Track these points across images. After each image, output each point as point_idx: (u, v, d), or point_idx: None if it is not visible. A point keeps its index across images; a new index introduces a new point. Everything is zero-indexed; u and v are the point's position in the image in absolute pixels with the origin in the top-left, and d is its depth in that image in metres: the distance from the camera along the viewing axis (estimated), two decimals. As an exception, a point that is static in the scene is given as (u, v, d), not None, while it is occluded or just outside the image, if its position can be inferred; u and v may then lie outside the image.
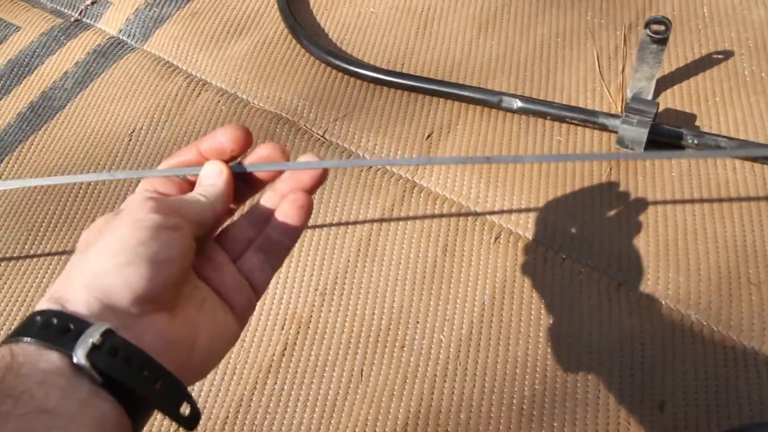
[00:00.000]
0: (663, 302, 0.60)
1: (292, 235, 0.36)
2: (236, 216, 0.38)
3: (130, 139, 0.78)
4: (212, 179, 0.35)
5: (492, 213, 0.67)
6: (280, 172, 0.36)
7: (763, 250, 0.62)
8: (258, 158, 0.36)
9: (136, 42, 0.88)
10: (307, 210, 0.36)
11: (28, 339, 0.27)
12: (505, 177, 0.69)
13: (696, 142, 0.67)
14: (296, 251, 0.66)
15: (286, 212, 0.35)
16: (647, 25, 0.66)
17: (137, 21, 0.90)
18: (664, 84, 0.74)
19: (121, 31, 0.90)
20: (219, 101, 0.79)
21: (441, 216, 0.67)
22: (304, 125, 0.76)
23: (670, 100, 0.73)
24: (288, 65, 0.82)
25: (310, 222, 0.66)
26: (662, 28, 0.66)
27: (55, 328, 0.28)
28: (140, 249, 0.30)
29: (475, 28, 0.83)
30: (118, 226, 0.31)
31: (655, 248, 0.63)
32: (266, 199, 0.37)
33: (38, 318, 0.28)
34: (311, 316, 0.63)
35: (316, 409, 0.58)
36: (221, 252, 0.35)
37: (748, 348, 0.57)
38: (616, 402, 0.56)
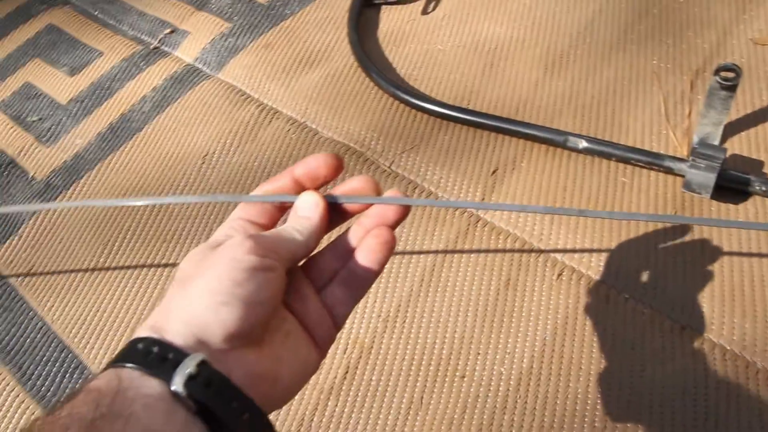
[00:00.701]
0: (728, 348, 0.60)
1: (374, 269, 0.36)
2: (321, 245, 0.40)
3: (203, 162, 0.81)
4: (308, 211, 0.36)
5: (555, 251, 0.67)
6: (368, 206, 0.37)
7: (833, 300, 0.61)
8: (351, 189, 0.37)
9: (211, 70, 0.92)
10: (390, 246, 0.36)
11: (132, 365, 0.29)
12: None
13: (764, 188, 0.67)
14: (361, 277, 0.68)
15: (370, 247, 0.36)
16: (717, 71, 0.66)
17: (213, 50, 0.94)
18: (731, 130, 0.75)
19: (197, 59, 0.94)
20: (289, 129, 0.82)
21: (504, 251, 0.68)
22: (372, 156, 0.78)
23: (737, 146, 0.73)
24: (357, 97, 0.84)
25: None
26: (732, 75, 0.66)
27: (155, 356, 0.29)
28: (236, 290, 0.31)
29: (541, 68, 0.85)
30: (216, 264, 0.32)
31: (721, 293, 0.63)
32: (352, 232, 0.38)
33: (140, 345, 0.30)
34: (373, 341, 0.64)
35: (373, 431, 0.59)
36: (307, 283, 0.36)
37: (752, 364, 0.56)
38: (648, 424, 0.56)
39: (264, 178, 0.78)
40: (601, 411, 0.58)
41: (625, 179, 0.72)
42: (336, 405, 0.61)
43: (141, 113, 0.89)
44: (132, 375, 0.29)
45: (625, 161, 0.72)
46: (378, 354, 0.63)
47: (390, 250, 0.36)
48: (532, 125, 0.76)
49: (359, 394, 0.62)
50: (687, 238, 0.67)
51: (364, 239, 0.37)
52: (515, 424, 0.58)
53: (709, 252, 0.65)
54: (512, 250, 0.68)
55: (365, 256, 0.36)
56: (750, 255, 0.65)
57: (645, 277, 0.65)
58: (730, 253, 0.65)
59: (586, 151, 0.73)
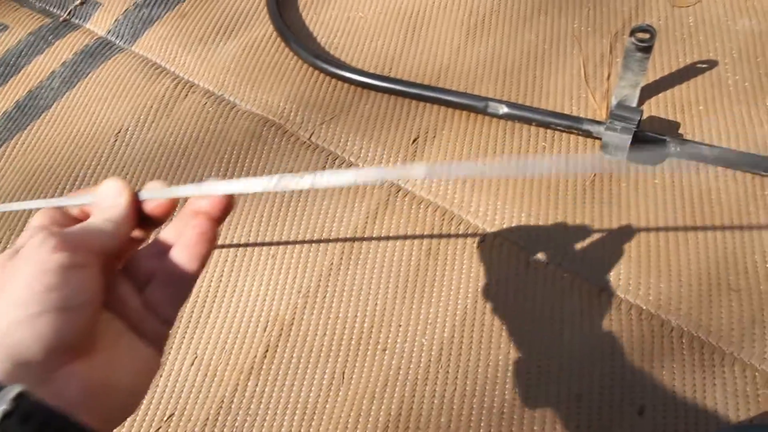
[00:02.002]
0: (644, 308, 0.60)
1: (194, 265, 0.33)
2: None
3: (116, 140, 0.78)
4: (112, 199, 0.33)
5: (476, 217, 0.67)
6: (174, 205, 0.34)
7: (744, 257, 0.62)
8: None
9: (124, 43, 0.88)
10: (208, 237, 0.33)
11: None
12: (490, 181, 0.69)
13: (679, 149, 0.68)
14: (280, 253, 0.66)
15: (187, 241, 0.33)
16: (632, 33, 0.66)
17: (126, 22, 0.90)
18: (648, 92, 0.75)
19: (109, 31, 0.90)
20: (206, 103, 0.79)
21: (425, 220, 0.67)
22: (291, 128, 0.76)
23: (654, 108, 0.74)
24: (276, 68, 0.82)
25: (296, 224, 0.67)
26: (647, 36, 0.66)
27: None
28: (50, 296, 0.27)
29: (463, 33, 0.83)
30: (20, 270, 0.28)
31: (637, 254, 0.63)
32: (170, 227, 0.35)
33: None
34: (294, 318, 0.63)
35: (297, 412, 0.58)
36: (126, 283, 0.33)
37: (727, 353, 0.58)
38: (597, 407, 0.56)
39: (180, 154, 0.75)
40: (521, 376, 0.58)
41: (546, 144, 0.72)
42: (257, 384, 0.60)
43: (50, 90, 0.84)
44: None
45: (546, 126, 0.72)
46: (299, 331, 0.62)
47: (209, 242, 0.33)
48: (451, 92, 0.75)
49: (280, 372, 0.60)
50: (604, 201, 0.67)
51: (183, 233, 0.34)
52: (437, 395, 0.58)
53: (625, 214, 0.66)
54: (433, 219, 0.67)
55: (183, 251, 0.33)
56: (666, 216, 0.66)
57: (564, 242, 0.65)
58: (647, 214, 0.66)
59: (506, 117, 0.73)
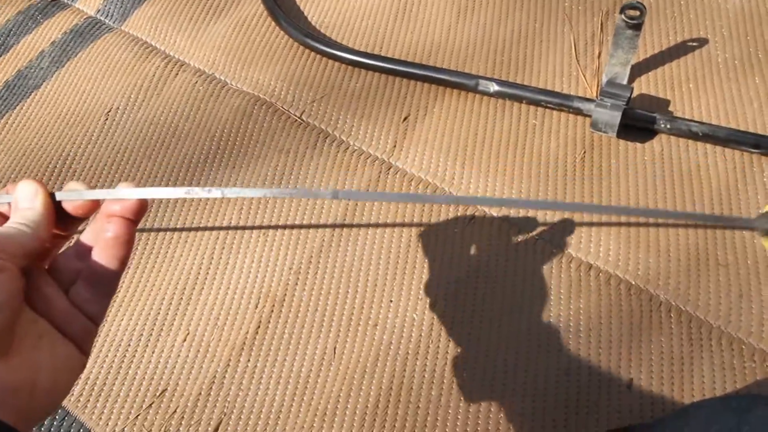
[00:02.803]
0: (633, 282, 0.61)
1: (114, 266, 0.34)
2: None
3: (107, 119, 0.78)
4: (29, 201, 0.33)
5: (466, 194, 0.67)
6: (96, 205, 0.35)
7: (732, 233, 0.63)
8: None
9: (113, 22, 0.88)
10: (125, 240, 0.34)
11: None
12: (480, 159, 0.69)
13: (669, 126, 0.68)
14: (271, 230, 0.67)
15: (103, 244, 0.34)
16: (623, 10, 0.66)
17: (115, 1, 0.90)
18: (639, 70, 0.75)
19: (99, 11, 0.89)
20: (197, 82, 0.79)
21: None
22: (282, 106, 0.76)
23: (644, 85, 0.74)
24: (266, 47, 0.81)
25: (287, 203, 0.67)
26: (637, 13, 0.66)
27: None
28: None
29: (454, 12, 0.83)
30: None
31: (626, 230, 0.64)
32: (90, 228, 0.35)
33: None
34: (285, 294, 0.63)
35: (289, 387, 0.59)
36: (51, 282, 0.33)
37: (714, 327, 0.58)
38: (585, 381, 0.57)
39: (171, 133, 0.75)
40: (512, 350, 0.59)
41: (536, 121, 0.72)
42: (248, 360, 0.60)
43: (39, 69, 0.84)
44: None
45: (536, 103, 0.72)
46: (290, 307, 0.62)
47: (125, 244, 0.34)
48: (443, 70, 0.74)
49: (272, 348, 0.61)
50: (594, 178, 0.67)
51: (99, 235, 0.34)
52: (428, 369, 0.58)
53: (615, 190, 0.66)
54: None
55: (102, 253, 0.34)
56: (655, 191, 0.66)
57: (555, 218, 0.65)
58: (636, 190, 0.66)
59: (497, 95, 0.73)
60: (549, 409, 0.56)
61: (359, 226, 0.66)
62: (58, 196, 0.34)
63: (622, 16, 0.66)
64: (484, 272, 0.63)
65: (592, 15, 0.81)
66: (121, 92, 0.80)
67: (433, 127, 0.72)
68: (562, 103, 0.71)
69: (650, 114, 0.68)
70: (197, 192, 0.34)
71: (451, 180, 0.68)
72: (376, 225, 0.66)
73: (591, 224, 0.64)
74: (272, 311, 0.62)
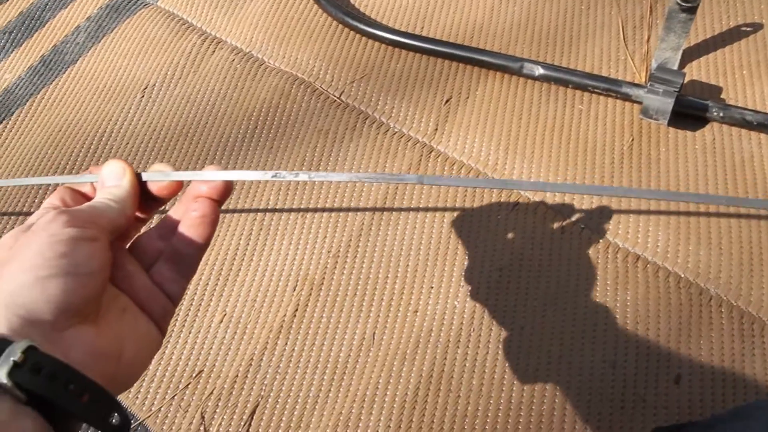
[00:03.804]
0: (682, 275, 0.59)
1: (197, 244, 0.35)
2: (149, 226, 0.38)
3: (143, 96, 0.77)
4: (116, 179, 0.35)
5: (507, 178, 0.65)
6: (179, 185, 0.36)
7: (786, 226, 0.61)
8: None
9: (150, -3, 0.86)
10: (210, 220, 0.35)
11: None
12: (524, 144, 0.68)
13: (722, 114, 0.66)
14: (309, 214, 0.65)
15: (189, 222, 0.35)
16: (678, -8, 0.64)
17: (152, -24, 0.88)
18: (690, 56, 0.73)
19: (135, -15, 0.88)
20: (234, 60, 0.78)
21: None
22: (320, 86, 0.74)
23: (696, 72, 0.72)
24: (305, 25, 0.80)
25: (325, 187, 0.66)
26: (692, -4, 0.64)
27: None
28: (61, 261, 0.29)
29: (497, -8, 0.81)
30: (33, 241, 0.30)
31: (676, 222, 0.62)
32: (175, 209, 0.36)
33: None
34: (324, 278, 0.62)
35: (327, 371, 0.58)
36: (133, 261, 0.35)
37: (767, 324, 0.56)
38: (632, 375, 0.55)
39: (208, 111, 0.74)
40: (556, 341, 0.57)
41: (582, 106, 0.70)
42: (286, 344, 0.60)
43: (75, 45, 0.83)
44: None
45: (582, 88, 0.70)
46: (329, 291, 0.61)
47: (211, 224, 0.35)
48: (486, 52, 0.72)
49: (309, 331, 0.60)
50: (643, 166, 0.65)
51: (185, 214, 0.35)
52: (469, 358, 0.57)
53: (664, 180, 0.64)
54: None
55: (186, 232, 0.35)
56: (706, 182, 0.64)
57: (600, 207, 0.63)
58: (686, 180, 0.64)
59: (542, 78, 0.71)
60: (594, 403, 0.54)
61: (400, 210, 0.65)
62: (145, 176, 0.35)
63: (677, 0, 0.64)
64: (528, 260, 0.61)
65: (640, -2, 0.78)
66: (158, 69, 0.79)
67: (475, 110, 0.71)
68: (609, 88, 0.69)
69: (703, 101, 0.66)
70: (284, 175, 0.35)
71: (495, 165, 0.67)
72: (417, 209, 0.65)
73: (639, 213, 0.62)
74: (310, 294, 0.61)
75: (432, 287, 0.61)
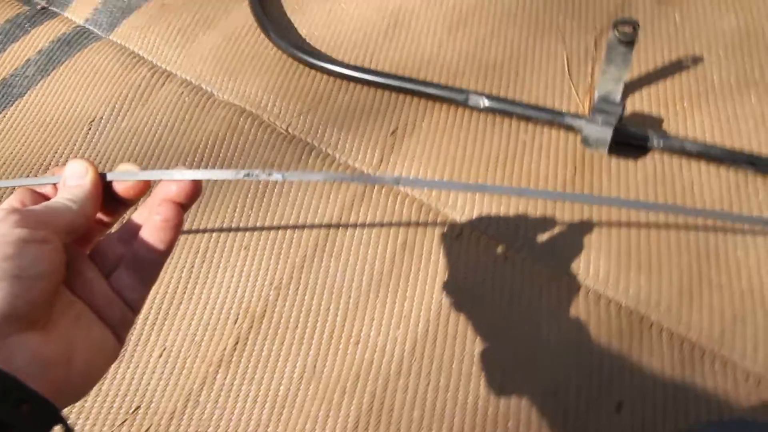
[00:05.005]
0: (623, 303, 0.59)
1: (159, 250, 0.34)
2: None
3: (90, 128, 0.76)
4: (78, 179, 0.33)
5: (453, 210, 0.66)
6: (146, 187, 0.35)
7: (726, 253, 0.61)
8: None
9: (102, 31, 0.86)
10: (174, 224, 0.34)
11: None
12: (469, 175, 0.68)
13: (662, 144, 0.67)
14: (252, 245, 0.65)
15: (152, 226, 0.33)
16: (615, 26, 0.65)
17: (105, 10, 0.89)
18: (632, 88, 0.74)
19: (87, 20, 0.88)
20: (182, 93, 0.78)
21: (401, 212, 0.66)
22: (268, 119, 0.74)
23: (638, 103, 0.73)
24: (255, 59, 0.80)
25: (269, 215, 0.65)
26: (630, 29, 0.65)
27: None
28: (5, 265, 0.28)
29: (445, 27, 0.82)
30: None
31: (617, 249, 0.62)
32: (137, 213, 0.35)
33: None
34: (265, 310, 0.61)
35: (267, 405, 0.57)
36: (93, 267, 0.34)
37: (707, 349, 0.56)
38: (573, 402, 0.55)
39: (155, 144, 0.74)
40: (497, 371, 0.57)
41: (527, 137, 0.71)
42: (225, 378, 0.58)
43: (24, 78, 0.82)
44: None
45: (527, 119, 0.71)
46: (270, 323, 0.61)
47: (175, 228, 0.34)
48: (432, 84, 0.73)
49: (249, 365, 0.59)
50: (573, 191, 0.66)
51: (147, 218, 0.34)
52: (410, 389, 0.56)
53: (606, 209, 0.65)
54: (410, 211, 0.66)
55: (149, 236, 0.33)
56: (647, 212, 0.64)
57: (543, 236, 0.63)
58: (627, 211, 0.64)
59: (487, 110, 0.72)
60: (535, 433, 0.54)
61: (343, 240, 0.64)
62: (109, 176, 0.34)
63: (615, 32, 0.65)
64: (470, 290, 0.61)
65: (585, 32, 0.80)
66: (106, 102, 0.78)
67: (421, 141, 0.71)
68: (553, 119, 0.69)
69: (643, 132, 0.67)
70: (257, 174, 0.34)
71: (438, 195, 0.67)
72: (360, 241, 0.64)
73: (582, 243, 0.63)
74: (251, 327, 0.60)
75: (374, 318, 0.60)
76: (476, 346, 0.58)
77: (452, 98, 0.72)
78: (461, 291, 0.61)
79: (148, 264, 0.34)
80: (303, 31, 0.84)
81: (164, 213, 0.33)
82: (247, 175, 0.34)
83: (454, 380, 0.56)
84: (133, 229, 0.34)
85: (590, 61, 0.77)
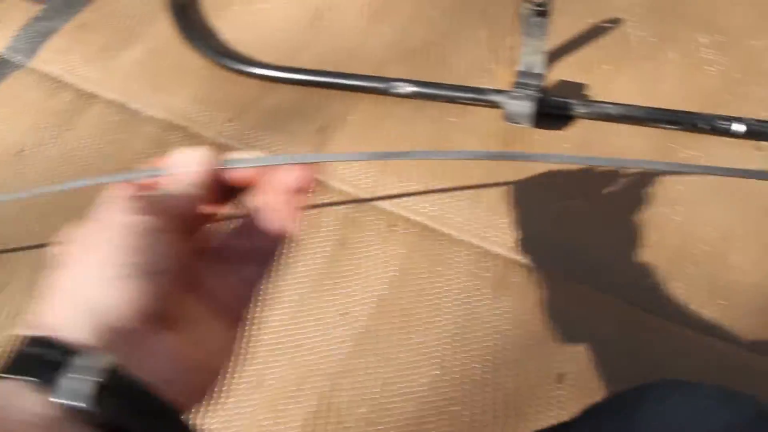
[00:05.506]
0: (559, 276, 0.60)
1: (280, 241, 0.32)
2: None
3: (18, 160, 0.75)
4: (192, 165, 0.31)
5: (386, 201, 0.66)
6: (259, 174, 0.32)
7: (656, 209, 0.62)
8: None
9: (22, 59, 0.85)
10: (296, 214, 0.31)
11: (10, 375, 0.23)
12: (399, 163, 0.68)
13: (585, 111, 0.67)
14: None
15: (271, 217, 0.31)
16: (528, -2, 0.65)
17: (24, 37, 0.87)
18: (555, 56, 0.74)
19: (7, 48, 0.86)
20: (108, 113, 0.77)
21: (337, 209, 0.66)
22: (196, 129, 0.74)
23: (562, 72, 0.73)
24: (179, 70, 0.79)
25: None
26: (542, 0, 0.65)
27: (40, 361, 0.24)
28: (138, 258, 0.26)
29: (367, 15, 0.82)
30: (104, 233, 0.26)
31: (547, 222, 0.62)
32: (255, 201, 0.32)
33: (27, 350, 0.24)
34: (207, 323, 0.61)
35: (215, 417, 0.57)
36: (206, 263, 0.31)
37: (647, 315, 0.57)
38: (515, 379, 0.55)
39: (83, 169, 0.73)
40: (439, 357, 0.57)
41: (455, 119, 0.71)
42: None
43: (-54, 115, 0.81)
44: (9, 389, 0.23)
45: (453, 101, 0.71)
46: (213, 336, 0.60)
47: (296, 218, 0.31)
48: (355, 76, 0.73)
49: (197, 380, 0.59)
50: (513, 171, 0.66)
51: (268, 210, 0.31)
52: (356, 386, 0.57)
53: (536, 183, 0.65)
54: (344, 205, 0.66)
55: (268, 227, 0.31)
56: (576, 181, 0.65)
57: (473, 218, 0.64)
58: (555, 179, 0.65)
59: (413, 95, 0.71)
60: (477, 415, 0.54)
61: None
62: (223, 163, 0.31)
63: (528, 4, 0.65)
64: (408, 280, 0.61)
65: (505, 5, 0.80)
66: (32, 131, 0.77)
67: (350, 134, 0.71)
68: (477, 97, 0.69)
69: (564, 100, 0.67)
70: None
71: (373, 188, 0.67)
72: (297, 242, 0.64)
73: (513, 220, 0.63)
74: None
75: (318, 318, 0.60)
76: (418, 334, 0.58)
77: (376, 88, 0.72)
78: (400, 282, 0.61)
79: (269, 255, 0.31)
80: (227, 36, 0.83)
81: (285, 202, 0.31)
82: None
83: (399, 372, 0.57)
84: (253, 220, 0.32)
85: (512, 35, 0.77)
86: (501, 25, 0.77)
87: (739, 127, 0.64)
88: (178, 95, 0.77)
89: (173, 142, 0.73)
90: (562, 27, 0.76)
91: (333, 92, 0.74)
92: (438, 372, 0.57)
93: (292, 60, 0.79)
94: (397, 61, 0.77)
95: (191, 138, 0.73)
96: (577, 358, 0.56)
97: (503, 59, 0.74)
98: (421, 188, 0.66)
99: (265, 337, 0.60)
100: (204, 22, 0.85)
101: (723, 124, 0.64)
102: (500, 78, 0.73)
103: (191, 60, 0.80)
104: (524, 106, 0.65)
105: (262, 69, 0.75)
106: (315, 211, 0.66)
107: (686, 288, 0.58)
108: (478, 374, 0.56)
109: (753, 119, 0.65)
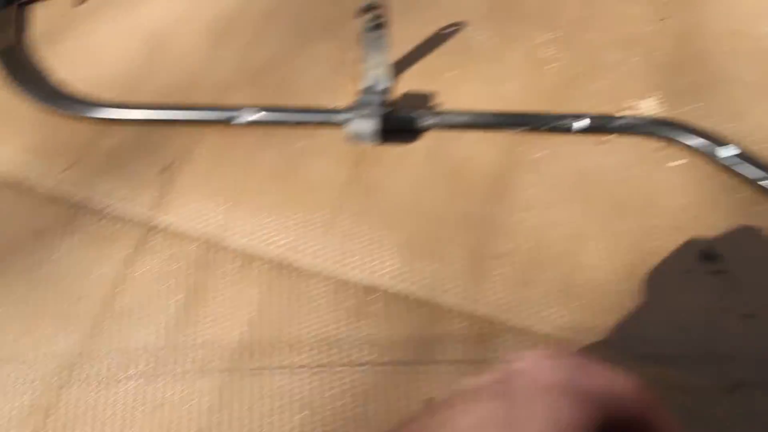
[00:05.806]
0: (417, 295, 0.59)
1: None
2: None
3: None
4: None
5: (241, 238, 0.63)
6: None
7: (510, 217, 0.62)
8: None
9: None
10: None
11: None
12: (250, 196, 0.65)
13: (431, 122, 0.67)
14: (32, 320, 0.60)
15: None
16: (361, 12, 0.64)
17: None
18: (401, 68, 0.73)
19: None
20: (-69, 174, 0.71)
21: (189, 253, 0.62)
22: (29, 183, 0.68)
23: (409, 83, 0.72)
24: (7, 117, 0.74)
25: (48, 284, 0.60)
26: (376, 12, 0.64)
27: None
28: None
29: (209, 40, 0.79)
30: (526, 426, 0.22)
31: (402, 239, 0.62)
32: None
33: None
34: (59, 401, 0.57)
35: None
36: None
37: (498, 323, 0.57)
38: (386, 408, 0.54)
39: None
40: (309, 397, 0.55)
41: (304, 143, 0.69)
42: (27, 479, 0.54)
43: None
44: None
45: (300, 124, 0.69)
46: (66, 410, 0.56)
47: None
48: (196, 108, 0.70)
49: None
50: (365, 192, 0.65)
51: None
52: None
53: (388, 201, 0.64)
54: (195, 248, 0.63)
55: None
56: (429, 196, 0.64)
57: (331, 242, 0.62)
58: (405, 196, 0.64)
59: (258, 123, 0.69)
60: (351, 452, 0.53)
61: (132, 300, 0.60)
62: None
63: (364, 19, 0.64)
64: (268, 317, 0.59)
65: (347, 19, 0.78)
66: None
67: (198, 170, 0.68)
68: (324, 119, 0.68)
69: (409, 115, 0.67)
70: None
71: (225, 226, 0.64)
72: (150, 294, 0.61)
73: (369, 240, 0.62)
74: (47, 419, 0.56)
75: (177, 373, 0.57)
76: (285, 372, 0.56)
77: (220, 119, 0.69)
78: (260, 320, 0.59)
79: None
80: (63, 75, 0.78)
81: None
82: None
83: (264, 419, 0.55)
84: None
85: (356, 49, 0.75)
86: (343, 39, 0.76)
87: (581, 124, 0.66)
88: (7, 146, 0.71)
89: (5, 200, 0.67)
90: (405, 37, 0.75)
91: (177, 126, 0.71)
92: (307, 413, 0.55)
93: (133, 94, 0.75)
94: (243, 85, 0.74)
95: (26, 193, 0.68)
96: (444, 380, 0.55)
97: (349, 75, 0.73)
98: (274, 220, 0.64)
99: (121, 401, 0.56)
100: (34, 63, 0.79)
101: (564, 123, 0.65)
102: (348, 95, 0.71)
103: (20, 106, 0.75)
104: (367, 125, 0.64)
105: (95, 110, 0.71)
106: (166, 258, 0.62)
107: (543, 293, 0.58)
108: (348, 409, 0.55)
109: (591, 114, 0.66)
